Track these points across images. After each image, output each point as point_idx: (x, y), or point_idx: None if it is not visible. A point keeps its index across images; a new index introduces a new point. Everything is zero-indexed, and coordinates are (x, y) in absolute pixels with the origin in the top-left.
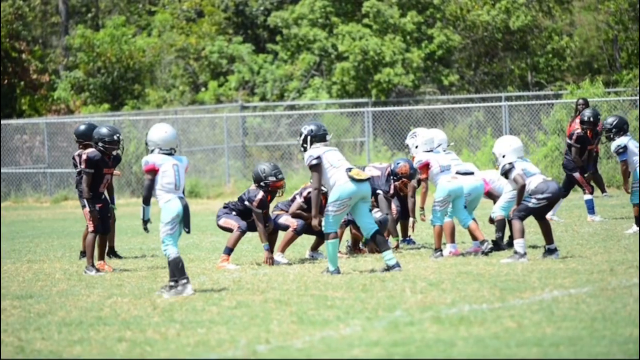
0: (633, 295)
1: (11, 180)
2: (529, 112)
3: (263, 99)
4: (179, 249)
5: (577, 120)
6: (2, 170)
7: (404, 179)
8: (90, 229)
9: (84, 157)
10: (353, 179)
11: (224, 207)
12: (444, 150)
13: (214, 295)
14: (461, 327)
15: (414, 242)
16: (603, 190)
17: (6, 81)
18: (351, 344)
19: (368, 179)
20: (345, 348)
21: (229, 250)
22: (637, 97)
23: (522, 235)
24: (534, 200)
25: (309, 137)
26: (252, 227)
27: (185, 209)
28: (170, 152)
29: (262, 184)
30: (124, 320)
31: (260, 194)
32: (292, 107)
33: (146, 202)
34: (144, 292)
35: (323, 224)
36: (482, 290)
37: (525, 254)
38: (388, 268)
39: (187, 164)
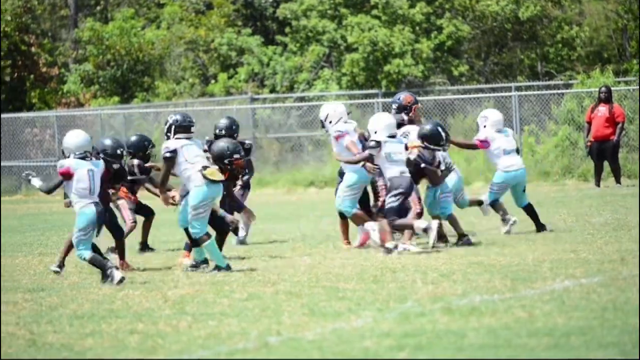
0: None
1: (22, 173)
2: (539, 102)
3: (273, 90)
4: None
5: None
6: (13, 164)
7: (414, 107)
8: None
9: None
10: (207, 179)
11: None
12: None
13: (225, 287)
14: (472, 317)
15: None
16: (618, 181)
17: (16, 74)
18: (362, 335)
19: (222, 181)
20: (356, 339)
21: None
22: None
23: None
24: (392, 198)
25: (173, 127)
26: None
27: (100, 214)
28: (85, 156)
29: (225, 161)
30: (135, 313)
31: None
32: (302, 99)
33: (47, 191)
34: (155, 285)
35: (192, 230)
36: (493, 280)
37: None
38: None
39: (103, 168)
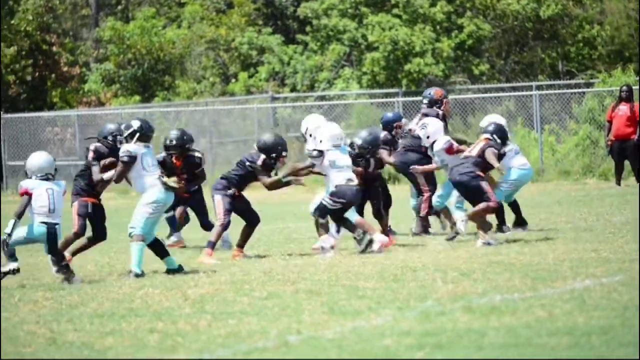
0: None
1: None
2: (560, 101)
3: (293, 89)
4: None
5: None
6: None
7: (444, 100)
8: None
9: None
10: (166, 185)
11: (222, 179)
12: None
13: (245, 286)
14: (492, 316)
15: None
16: (638, 180)
17: (37, 74)
18: (382, 334)
19: (176, 190)
20: (376, 338)
21: (212, 245)
22: None
23: (327, 231)
24: (330, 201)
25: (137, 134)
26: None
27: (51, 236)
28: (47, 178)
29: (272, 155)
30: (155, 312)
31: (263, 157)
32: (322, 98)
33: (18, 216)
34: (175, 284)
35: (132, 224)
36: (513, 279)
37: (332, 247)
38: None
39: (64, 188)
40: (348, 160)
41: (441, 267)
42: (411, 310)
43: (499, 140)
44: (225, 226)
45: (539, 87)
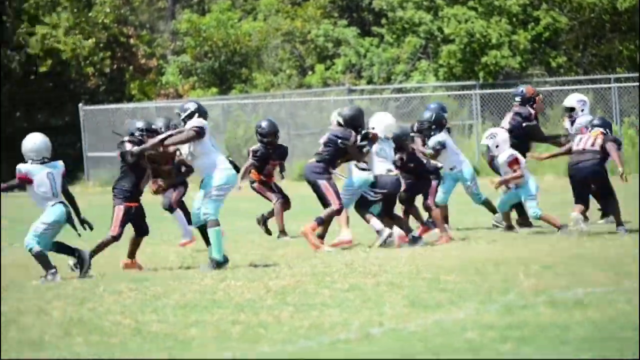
0: None
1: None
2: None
3: (370, 82)
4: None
5: None
6: (113, 154)
7: (537, 98)
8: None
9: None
10: (233, 165)
11: (318, 162)
12: None
13: (326, 278)
14: (576, 310)
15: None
16: None
17: (115, 66)
18: (464, 327)
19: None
20: (458, 331)
21: (321, 220)
22: None
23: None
24: (371, 193)
25: (195, 114)
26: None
27: (68, 215)
28: (43, 161)
29: (365, 132)
30: (237, 303)
31: (354, 134)
32: (399, 90)
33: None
34: (256, 276)
35: (205, 211)
36: (596, 273)
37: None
38: None
39: (62, 169)
40: (392, 152)
41: (523, 261)
42: (493, 303)
43: (611, 134)
44: (340, 210)
45: (617, 80)
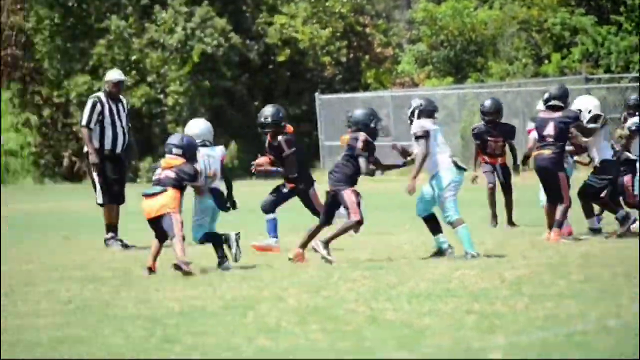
0: None
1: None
2: None
3: (607, 70)
4: None
5: None
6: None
7: None
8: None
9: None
10: (457, 165)
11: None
12: None
13: (562, 268)
14: None
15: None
16: None
17: (352, 55)
18: None
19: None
20: None
21: (560, 224)
22: None
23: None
24: (596, 179)
25: (417, 111)
26: None
27: (216, 197)
28: (204, 144)
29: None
30: (471, 293)
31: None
32: (638, 79)
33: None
34: (490, 266)
35: (450, 212)
36: None
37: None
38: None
39: (222, 154)
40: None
41: None
42: None
43: None
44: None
45: None
